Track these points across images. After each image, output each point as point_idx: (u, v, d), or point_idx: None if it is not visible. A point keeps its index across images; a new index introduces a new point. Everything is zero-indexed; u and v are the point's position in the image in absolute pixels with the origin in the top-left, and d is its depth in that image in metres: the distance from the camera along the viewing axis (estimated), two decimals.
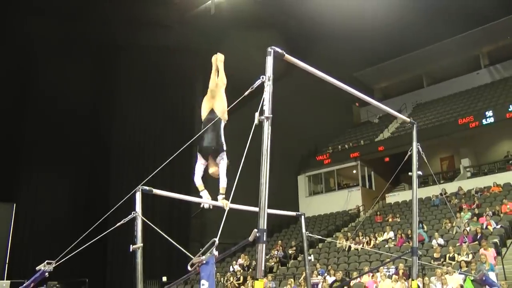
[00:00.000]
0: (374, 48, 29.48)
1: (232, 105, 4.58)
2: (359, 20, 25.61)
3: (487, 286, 12.65)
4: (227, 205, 5.50)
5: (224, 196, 5.81)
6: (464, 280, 13.82)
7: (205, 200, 6.13)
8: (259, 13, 24.73)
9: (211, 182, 6.21)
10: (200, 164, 6.17)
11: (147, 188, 6.13)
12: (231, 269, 21.43)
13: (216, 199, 5.94)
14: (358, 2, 25.32)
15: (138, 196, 6.09)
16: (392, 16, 25.61)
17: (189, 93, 25.91)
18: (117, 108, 25.88)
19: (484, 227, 18.10)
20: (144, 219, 5.97)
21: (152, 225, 6.02)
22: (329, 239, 21.10)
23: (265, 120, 4.04)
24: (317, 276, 17.77)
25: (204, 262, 3.72)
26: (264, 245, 3.90)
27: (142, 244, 5.92)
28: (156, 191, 6.28)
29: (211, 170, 6.07)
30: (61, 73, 23.20)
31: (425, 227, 19.96)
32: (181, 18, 24.82)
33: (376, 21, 25.99)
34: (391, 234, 20.49)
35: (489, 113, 24.86)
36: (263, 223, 3.88)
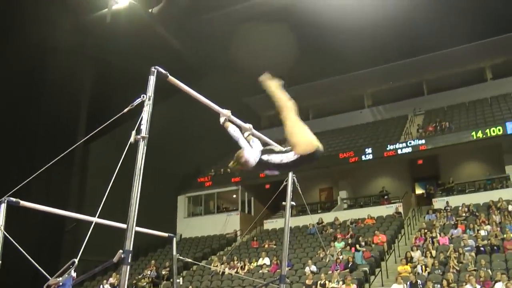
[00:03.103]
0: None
1: (110, 121, 4.43)
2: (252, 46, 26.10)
3: None
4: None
5: None
6: None
7: None
8: (153, 30, 24.45)
9: None
10: None
11: (13, 199, 5.70)
12: None
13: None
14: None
15: (3, 208, 5.66)
16: (286, 47, 26.32)
17: (74, 98, 24.87)
18: None
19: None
20: (6, 233, 5.54)
21: (13, 240, 5.57)
22: (202, 263, 20.96)
23: (141, 140, 3.95)
24: None
25: (61, 284, 3.53)
26: (128, 267, 3.77)
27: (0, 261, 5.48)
28: (24, 203, 5.83)
29: None
30: None
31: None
32: (76, 21, 23.97)
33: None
34: (266, 260, 20.78)
35: (369, 150, 26.22)
36: (129, 244, 3.76)
